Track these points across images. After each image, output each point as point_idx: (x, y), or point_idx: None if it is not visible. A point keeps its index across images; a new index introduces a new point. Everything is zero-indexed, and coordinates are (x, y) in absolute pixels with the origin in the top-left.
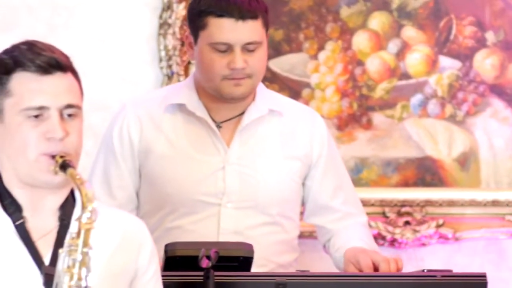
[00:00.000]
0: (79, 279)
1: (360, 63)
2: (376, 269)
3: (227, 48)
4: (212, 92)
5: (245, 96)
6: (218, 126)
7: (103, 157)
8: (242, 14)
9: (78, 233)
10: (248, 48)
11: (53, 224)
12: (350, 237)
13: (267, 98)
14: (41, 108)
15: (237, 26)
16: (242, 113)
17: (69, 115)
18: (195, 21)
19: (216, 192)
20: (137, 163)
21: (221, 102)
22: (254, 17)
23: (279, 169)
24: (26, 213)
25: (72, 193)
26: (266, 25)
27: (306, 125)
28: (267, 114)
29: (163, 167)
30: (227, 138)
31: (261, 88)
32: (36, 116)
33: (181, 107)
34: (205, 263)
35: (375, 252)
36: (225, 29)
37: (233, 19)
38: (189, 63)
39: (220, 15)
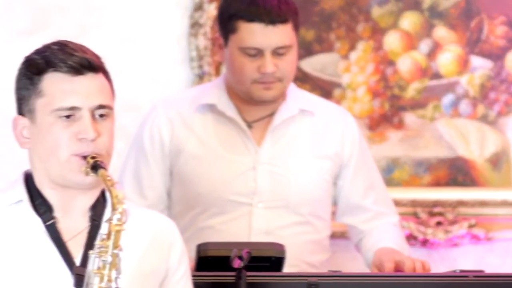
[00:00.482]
0: (109, 280)
1: (391, 63)
2: (401, 269)
3: (257, 53)
4: (242, 95)
5: (275, 99)
6: (249, 126)
7: (134, 157)
8: (272, 18)
9: (109, 235)
10: (278, 52)
11: (84, 225)
12: (381, 237)
13: (298, 98)
14: (72, 108)
15: (267, 31)
16: (273, 113)
17: (101, 116)
18: (225, 24)
19: (247, 192)
20: (168, 163)
21: (252, 103)
22: (284, 21)
23: (310, 168)
24: (57, 213)
25: (103, 193)
26: (296, 27)
27: (338, 124)
28: (298, 114)
29: (194, 167)
30: (257, 138)
31: (292, 88)
32: (68, 117)
33: (211, 107)
34: (237, 263)
35: (399, 252)
36: (255, 34)
37: (263, 24)
38: (220, 63)
39: (250, 20)
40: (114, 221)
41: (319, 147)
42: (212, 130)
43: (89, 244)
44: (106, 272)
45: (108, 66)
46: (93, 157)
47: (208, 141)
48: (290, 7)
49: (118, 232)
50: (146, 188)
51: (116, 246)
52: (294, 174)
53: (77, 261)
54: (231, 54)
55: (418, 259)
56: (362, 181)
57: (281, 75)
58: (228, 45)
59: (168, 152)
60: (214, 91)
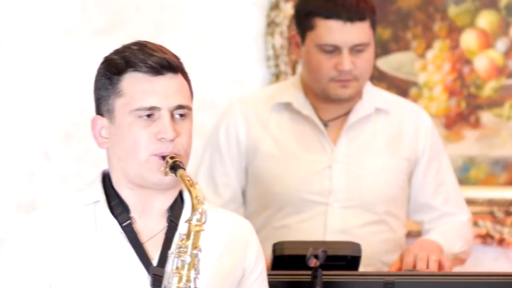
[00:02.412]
0: (188, 280)
1: (468, 61)
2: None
3: (335, 50)
4: (319, 93)
5: (352, 98)
6: (325, 125)
7: (209, 155)
8: (350, 15)
9: (188, 235)
10: (356, 49)
11: (161, 226)
12: (433, 231)
13: (373, 96)
14: (152, 108)
15: (345, 28)
16: (349, 112)
17: (180, 116)
18: (303, 21)
19: (323, 191)
20: (244, 162)
21: (328, 102)
22: (362, 18)
23: (385, 167)
24: (133, 214)
25: (180, 194)
26: (374, 25)
27: (412, 121)
28: (374, 112)
29: (270, 166)
30: (333, 136)
31: (368, 87)
32: (148, 116)
33: (287, 106)
34: (313, 262)
35: (427, 246)
36: (333, 31)
37: (341, 21)
38: (296, 62)
39: (328, 17)
40: (194, 222)
41: (394, 146)
42: (288, 129)
43: (167, 245)
44: (184, 272)
45: (185, 65)
46: (172, 157)
47: (284, 140)
48: (368, 5)
49: (197, 232)
50: (220, 186)
51: (195, 246)
52: (369, 173)
53: (154, 262)
54: (308, 52)
55: (434, 259)
56: (433, 179)
57: (358, 73)
58: (305, 42)
59: (244, 150)
60: (290, 90)
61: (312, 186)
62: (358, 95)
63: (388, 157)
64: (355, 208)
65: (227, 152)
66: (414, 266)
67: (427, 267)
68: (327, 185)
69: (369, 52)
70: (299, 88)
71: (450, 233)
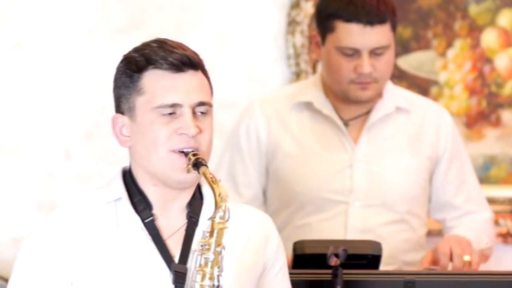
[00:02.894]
0: (211, 278)
1: (488, 60)
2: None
3: (354, 53)
4: (339, 94)
5: (371, 99)
6: (345, 124)
7: (229, 154)
8: (370, 19)
9: (211, 232)
10: (375, 52)
11: (181, 222)
12: (459, 227)
13: (394, 96)
14: (174, 105)
15: (365, 31)
16: (369, 111)
17: (201, 113)
18: (323, 23)
19: (343, 190)
20: (264, 161)
21: (348, 102)
22: (382, 21)
23: (406, 166)
24: (155, 210)
25: (199, 189)
26: (394, 27)
27: (433, 121)
28: (394, 111)
29: (290, 165)
30: (354, 136)
31: (389, 86)
32: (170, 114)
33: (308, 105)
34: (333, 261)
35: (461, 241)
36: (353, 34)
37: (361, 25)
38: (317, 61)
39: (348, 20)
40: (217, 219)
41: (415, 145)
42: (309, 128)
43: (187, 242)
44: (208, 269)
45: (205, 64)
46: (194, 154)
47: (304, 139)
48: (389, 7)
49: (221, 230)
50: (241, 186)
51: (218, 244)
52: (390, 172)
53: (176, 259)
54: (328, 53)
55: (459, 255)
56: (454, 178)
57: (378, 75)
58: (325, 44)
59: (265, 150)
60: (310, 89)
61: (332, 185)
62: (378, 96)
63: (409, 156)
64: (376, 207)
65: (247, 151)
66: (451, 257)
67: (462, 266)
68: (348, 184)
69: (389, 54)
70: (320, 87)
71: (476, 229)
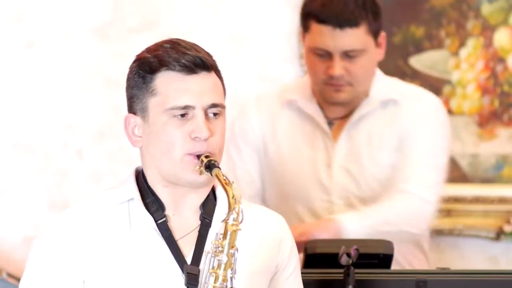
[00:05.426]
0: (224, 280)
1: (501, 60)
2: None
3: (327, 54)
4: (318, 94)
5: (347, 102)
6: (330, 123)
7: (229, 153)
8: (340, 22)
9: (225, 234)
10: (348, 55)
11: (195, 223)
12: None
13: (382, 89)
14: (186, 107)
15: (335, 34)
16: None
17: (214, 115)
18: (302, 22)
19: (326, 188)
20: (262, 158)
21: (329, 102)
22: (354, 24)
23: (388, 162)
24: (168, 211)
25: (213, 191)
26: (375, 30)
27: (418, 110)
28: (379, 107)
29: (279, 163)
30: (336, 135)
31: (377, 79)
32: (182, 116)
33: (295, 103)
34: (345, 260)
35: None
36: (324, 35)
37: (331, 26)
38: None
39: (320, 21)
40: (231, 221)
41: (401, 138)
42: (297, 126)
43: (200, 243)
44: (221, 272)
45: (218, 63)
46: (207, 156)
47: (292, 137)
48: (368, 10)
49: (234, 232)
50: (243, 184)
51: (232, 245)
52: (369, 169)
53: (188, 259)
54: (306, 53)
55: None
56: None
57: (351, 79)
58: (304, 43)
59: (259, 147)
60: (299, 88)
61: (315, 184)
62: (357, 98)
63: (392, 152)
64: (358, 205)
65: (245, 149)
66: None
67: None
68: (328, 182)
69: (366, 58)
70: (308, 85)
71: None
